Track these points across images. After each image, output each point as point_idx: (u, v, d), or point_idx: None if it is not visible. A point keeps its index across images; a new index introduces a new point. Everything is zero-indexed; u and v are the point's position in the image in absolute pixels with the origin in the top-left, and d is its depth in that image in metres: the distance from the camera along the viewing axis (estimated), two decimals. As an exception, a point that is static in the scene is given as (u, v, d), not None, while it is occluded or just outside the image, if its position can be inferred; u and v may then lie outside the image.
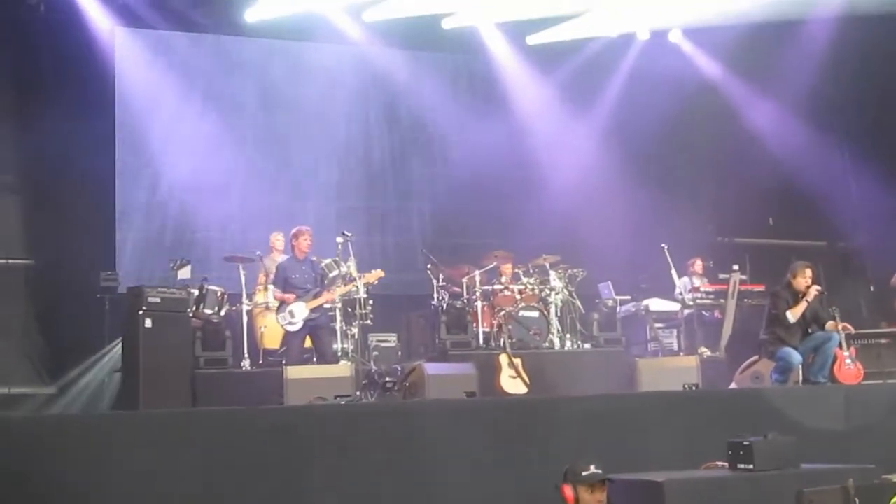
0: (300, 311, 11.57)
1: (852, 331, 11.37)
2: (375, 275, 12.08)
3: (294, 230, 12.09)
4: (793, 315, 11.05)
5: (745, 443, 7.46)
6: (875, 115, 15.89)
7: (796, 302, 11.13)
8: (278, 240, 13.22)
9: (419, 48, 16.01)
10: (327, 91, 15.69)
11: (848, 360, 11.37)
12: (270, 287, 12.28)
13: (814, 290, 11.13)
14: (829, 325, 11.17)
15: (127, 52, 14.63)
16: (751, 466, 7.38)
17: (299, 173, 15.46)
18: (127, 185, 14.45)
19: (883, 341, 12.34)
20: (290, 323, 11.65)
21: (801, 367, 11.17)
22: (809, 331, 11.19)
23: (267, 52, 15.51)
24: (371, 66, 15.90)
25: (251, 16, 14.93)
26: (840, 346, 11.26)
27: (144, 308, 10.68)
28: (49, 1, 13.68)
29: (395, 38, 15.72)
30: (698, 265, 14.78)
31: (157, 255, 14.12)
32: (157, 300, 10.86)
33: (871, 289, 16.38)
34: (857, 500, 6.07)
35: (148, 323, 10.69)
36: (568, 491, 5.88)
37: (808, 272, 11.19)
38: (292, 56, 15.65)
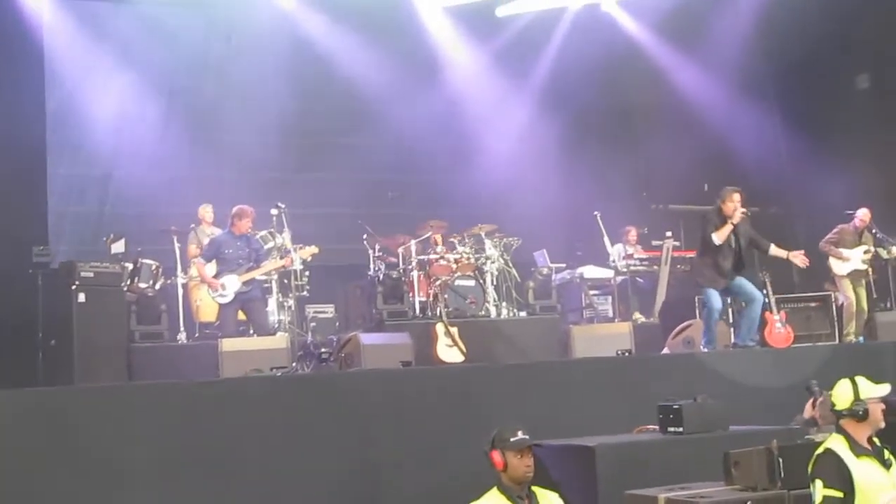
0: (231, 284, 11.49)
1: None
2: (309, 251, 11.95)
3: (236, 209, 11.80)
4: (718, 237, 11.01)
5: (675, 406, 7.57)
6: (805, 80, 16.05)
7: (724, 225, 11.18)
8: (207, 212, 13.15)
9: (352, 17, 15.87)
10: (259, 60, 15.42)
11: (778, 324, 11.57)
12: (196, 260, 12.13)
13: (738, 214, 11.08)
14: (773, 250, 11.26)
15: (56, 23, 14.36)
16: (680, 429, 7.49)
17: (231, 144, 15.26)
18: (58, 158, 14.25)
19: (812, 305, 12.54)
20: (221, 295, 11.54)
21: (731, 332, 11.33)
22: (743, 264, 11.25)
23: (197, 20, 15.29)
24: (303, 35, 15.67)
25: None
26: (770, 310, 11.44)
27: (78, 283, 10.66)
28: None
29: (328, 7, 15.62)
30: (633, 234, 14.90)
31: (90, 229, 14.02)
32: (91, 274, 10.85)
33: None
34: (780, 460, 6.20)
35: (81, 297, 10.69)
36: (497, 456, 5.95)
37: (737, 196, 11.09)
38: (223, 25, 15.42)
